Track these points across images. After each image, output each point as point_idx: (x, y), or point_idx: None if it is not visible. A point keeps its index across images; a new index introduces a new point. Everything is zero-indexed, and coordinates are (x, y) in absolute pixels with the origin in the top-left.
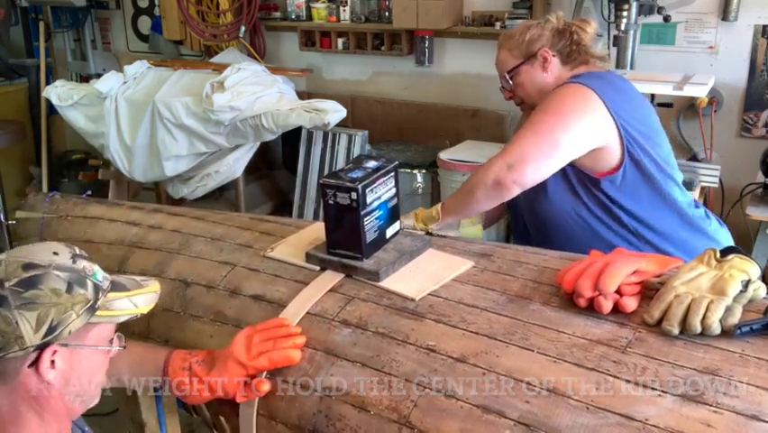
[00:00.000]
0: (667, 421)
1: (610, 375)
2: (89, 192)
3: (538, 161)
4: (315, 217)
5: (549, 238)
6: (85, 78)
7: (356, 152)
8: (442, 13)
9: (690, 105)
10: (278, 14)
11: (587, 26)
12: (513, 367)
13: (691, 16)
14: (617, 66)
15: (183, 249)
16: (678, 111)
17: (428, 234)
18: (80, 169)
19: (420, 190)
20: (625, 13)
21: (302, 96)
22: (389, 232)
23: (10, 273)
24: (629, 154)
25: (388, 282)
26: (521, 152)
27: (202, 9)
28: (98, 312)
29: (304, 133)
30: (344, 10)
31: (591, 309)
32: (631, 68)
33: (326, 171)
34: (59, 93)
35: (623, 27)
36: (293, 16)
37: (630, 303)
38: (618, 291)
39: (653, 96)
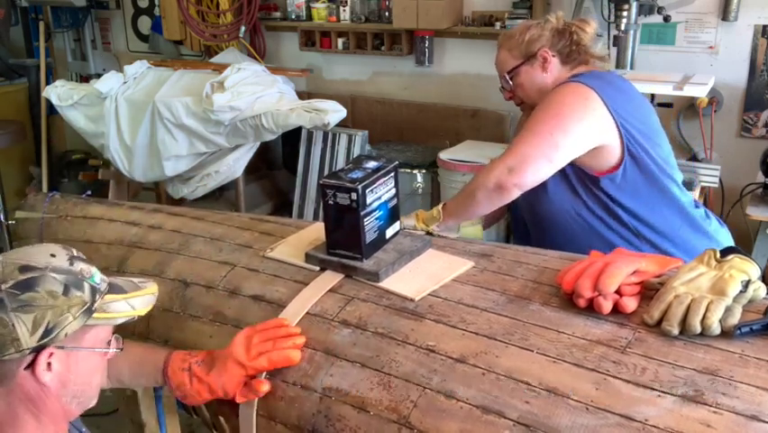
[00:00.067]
0: (667, 422)
1: (610, 375)
2: (89, 192)
3: (538, 163)
4: (315, 217)
5: (549, 237)
6: (85, 78)
7: (356, 152)
8: (442, 13)
9: (690, 106)
10: (278, 14)
11: (586, 26)
12: (513, 367)
13: (691, 16)
14: (617, 66)
15: (183, 249)
16: (678, 111)
17: (429, 234)
18: (80, 169)
19: (420, 190)
20: (625, 13)
21: (302, 96)
22: (389, 232)
23: (7, 275)
24: (629, 153)
25: (387, 283)
26: (521, 155)
27: (202, 9)
28: (95, 314)
29: (304, 133)
30: (344, 10)
31: (591, 310)
32: (631, 68)
33: (326, 171)
34: (59, 93)
35: (623, 27)
36: (293, 16)
37: (630, 303)
38: (618, 292)
39: (653, 96)
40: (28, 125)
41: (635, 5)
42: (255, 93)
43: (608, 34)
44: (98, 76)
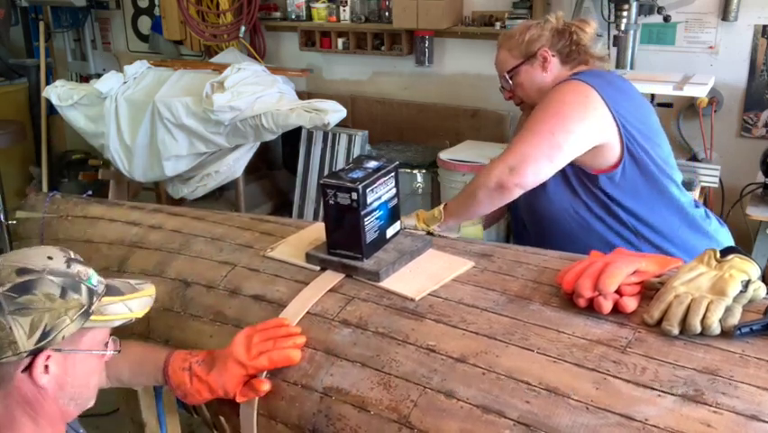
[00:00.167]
0: (667, 421)
1: (610, 375)
2: (90, 192)
3: (539, 162)
4: (315, 217)
5: (548, 237)
6: (85, 78)
7: (356, 152)
8: (442, 13)
9: (690, 106)
10: (278, 14)
11: (586, 26)
12: (513, 367)
13: (691, 16)
14: (617, 66)
15: (183, 249)
16: (678, 111)
17: (429, 234)
18: (80, 169)
19: (420, 190)
20: (625, 13)
21: (302, 96)
22: (390, 232)
23: (4, 278)
24: (629, 152)
25: (388, 282)
26: (522, 155)
27: (202, 9)
28: (93, 317)
29: (304, 133)
30: (344, 10)
31: (591, 309)
32: (631, 68)
33: (326, 171)
34: (59, 93)
35: (623, 27)
36: (293, 16)
37: (630, 303)
38: (618, 291)
39: (653, 96)
40: (28, 125)
41: (635, 5)
42: (255, 93)
43: (608, 34)
44: (98, 76)
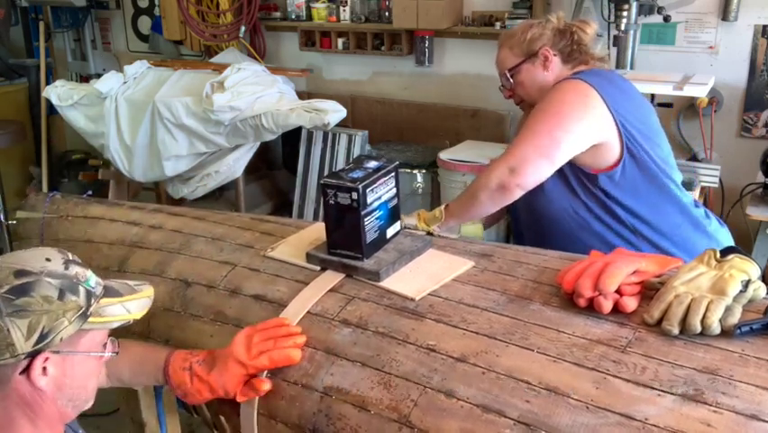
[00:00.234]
0: (667, 421)
1: (610, 375)
2: (90, 192)
3: (539, 162)
4: (315, 217)
5: (548, 237)
6: (85, 78)
7: (356, 152)
8: (442, 13)
9: (690, 106)
10: (278, 14)
11: (587, 27)
12: (513, 367)
13: (691, 16)
14: (617, 66)
15: (184, 249)
16: (678, 111)
17: (429, 234)
18: (80, 169)
19: (420, 190)
20: (625, 13)
21: (302, 96)
22: (390, 232)
23: (1, 280)
24: (628, 151)
25: (388, 282)
26: (522, 155)
27: (202, 9)
28: (91, 318)
29: (304, 133)
30: (344, 10)
31: (591, 309)
32: (631, 68)
33: (326, 171)
34: (59, 93)
35: (623, 27)
36: (293, 16)
37: (630, 303)
38: (618, 291)
39: (653, 96)
40: (28, 125)
41: (635, 5)
42: (255, 93)
43: (608, 34)
44: (98, 76)
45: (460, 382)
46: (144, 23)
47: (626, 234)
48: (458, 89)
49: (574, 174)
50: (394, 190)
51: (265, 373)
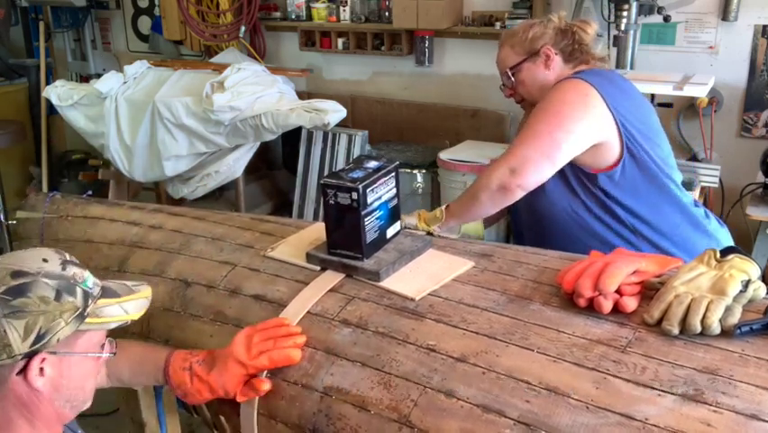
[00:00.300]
0: (667, 421)
1: (610, 375)
2: (90, 192)
3: (540, 163)
4: (315, 217)
5: (548, 237)
6: (85, 78)
7: (356, 152)
8: (442, 13)
9: (690, 106)
10: (278, 14)
11: (588, 27)
12: (513, 367)
13: (691, 16)
14: (617, 66)
15: (183, 249)
16: (678, 111)
17: (429, 234)
18: (80, 169)
19: (420, 190)
20: (625, 14)
21: (302, 96)
22: (390, 232)
23: None
24: (628, 151)
25: (388, 282)
26: (523, 156)
27: (202, 9)
28: (88, 319)
29: (304, 133)
30: (344, 10)
31: (591, 309)
32: (631, 68)
33: (326, 171)
34: (59, 93)
35: (623, 27)
36: (293, 16)
37: (630, 303)
38: (618, 291)
39: (653, 96)
40: (28, 125)
41: (635, 5)
42: (255, 93)
43: (608, 34)
44: (98, 76)
45: (460, 382)
46: (144, 23)
47: (626, 234)
48: (458, 89)
49: (574, 174)
50: (394, 190)
51: (265, 372)
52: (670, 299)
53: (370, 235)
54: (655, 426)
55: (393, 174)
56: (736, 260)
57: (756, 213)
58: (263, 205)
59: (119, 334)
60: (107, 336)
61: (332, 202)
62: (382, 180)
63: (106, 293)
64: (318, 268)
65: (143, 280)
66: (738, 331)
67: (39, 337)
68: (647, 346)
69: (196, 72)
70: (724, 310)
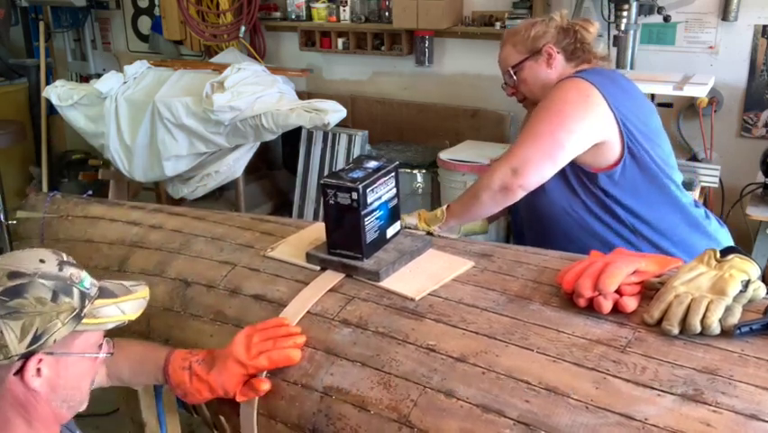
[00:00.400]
0: (667, 421)
1: (610, 375)
2: (90, 192)
3: (542, 163)
4: (315, 217)
5: (548, 237)
6: (85, 78)
7: (356, 152)
8: (442, 13)
9: (690, 106)
10: (278, 14)
11: (590, 26)
12: (513, 367)
13: (691, 16)
14: (617, 66)
15: (184, 249)
16: (678, 111)
17: (429, 234)
18: (80, 169)
19: (420, 190)
20: (625, 13)
21: (302, 96)
22: (390, 232)
23: None
24: (629, 151)
25: (388, 282)
26: (524, 156)
27: (202, 9)
28: (85, 320)
29: (304, 133)
30: (344, 10)
31: (591, 309)
32: (631, 68)
33: (326, 171)
34: (59, 93)
35: (623, 27)
36: (293, 16)
37: (630, 303)
38: (618, 291)
39: (653, 96)
40: (28, 125)
41: (635, 5)
42: (255, 93)
43: (608, 34)
44: (98, 76)
45: (459, 382)
46: (144, 23)
47: (626, 233)
48: (458, 89)
49: (574, 173)
50: (394, 190)
51: (265, 372)
52: (670, 299)
53: (370, 235)
54: (655, 426)
55: (393, 174)
56: (735, 260)
57: (756, 213)
58: (263, 205)
59: (119, 333)
60: (105, 336)
61: (332, 202)
62: (382, 180)
63: (103, 294)
64: (318, 268)
65: (143, 279)
66: (738, 331)
67: (35, 338)
68: (647, 346)
69: (196, 72)
70: (724, 310)
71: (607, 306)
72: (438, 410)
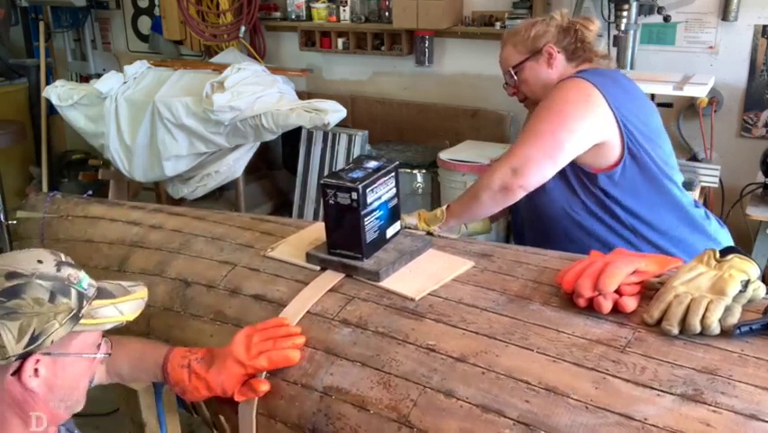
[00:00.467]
0: (666, 421)
1: (610, 375)
2: (90, 192)
3: (542, 163)
4: (315, 217)
5: (548, 237)
6: (85, 78)
7: (356, 152)
8: (442, 13)
9: (690, 105)
10: (278, 14)
11: (590, 24)
12: (512, 367)
13: (691, 16)
14: (617, 66)
15: (184, 249)
16: (678, 111)
17: (429, 234)
18: (80, 169)
19: (420, 190)
20: (625, 13)
21: (302, 96)
22: (390, 232)
23: None
24: (629, 151)
25: (388, 282)
26: (525, 156)
27: (202, 9)
28: (82, 320)
29: (304, 133)
30: (344, 10)
31: (591, 309)
32: (631, 68)
33: (326, 171)
34: (59, 93)
35: (623, 27)
36: (293, 16)
37: (630, 303)
38: (618, 291)
39: (653, 95)
40: (28, 125)
41: (635, 5)
42: (255, 93)
43: (608, 34)
44: (98, 76)
45: (459, 382)
46: (144, 23)
47: (626, 234)
48: (458, 89)
49: (574, 173)
50: (394, 190)
51: (264, 373)
52: (669, 299)
53: (370, 235)
54: (654, 426)
55: (393, 174)
56: (735, 260)
57: (756, 213)
58: (263, 205)
59: (119, 332)
60: (104, 337)
61: (332, 202)
62: (382, 180)
63: (101, 294)
64: (318, 268)
65: (143, 279)
66: (738, 331)
67: (33, 339)
68: (647, 346)
69: (196, 72)
70: (723, 310)
71: (606, 306)
72: (438, 410)
